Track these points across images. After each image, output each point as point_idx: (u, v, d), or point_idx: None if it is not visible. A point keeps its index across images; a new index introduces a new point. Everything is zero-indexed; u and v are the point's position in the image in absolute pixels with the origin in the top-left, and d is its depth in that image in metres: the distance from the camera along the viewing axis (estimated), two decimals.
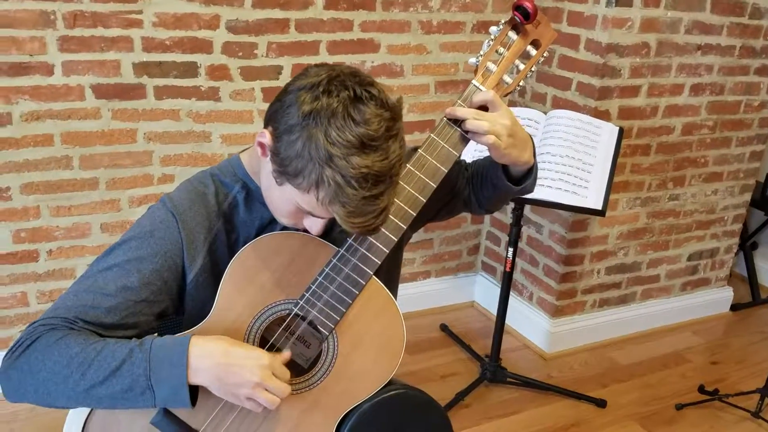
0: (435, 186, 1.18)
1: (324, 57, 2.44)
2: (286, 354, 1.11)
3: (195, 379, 1.05)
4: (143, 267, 1.12)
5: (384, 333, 1.15)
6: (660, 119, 2.71)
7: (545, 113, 2.40)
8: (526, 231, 2.91)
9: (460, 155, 1.21)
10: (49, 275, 2.31)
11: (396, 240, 1.16)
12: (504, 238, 3.00)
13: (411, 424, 1.17)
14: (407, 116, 2.72)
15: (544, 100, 2.76)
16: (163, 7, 2.19)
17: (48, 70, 2.11)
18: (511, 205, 2.42)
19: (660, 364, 2.84)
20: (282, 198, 1.09)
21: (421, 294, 3.05)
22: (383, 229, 1.15)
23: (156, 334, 1.12)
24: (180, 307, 1.20)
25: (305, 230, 1.13)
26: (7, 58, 2.05)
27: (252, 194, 1.20)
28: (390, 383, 1.18)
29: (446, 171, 1.19)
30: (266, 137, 1.06)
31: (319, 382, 1.14)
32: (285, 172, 1.04)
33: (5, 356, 1.07)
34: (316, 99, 1.00)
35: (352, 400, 1.14)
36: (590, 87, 2.54)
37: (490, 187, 1.36)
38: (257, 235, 1.19)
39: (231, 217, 1.20)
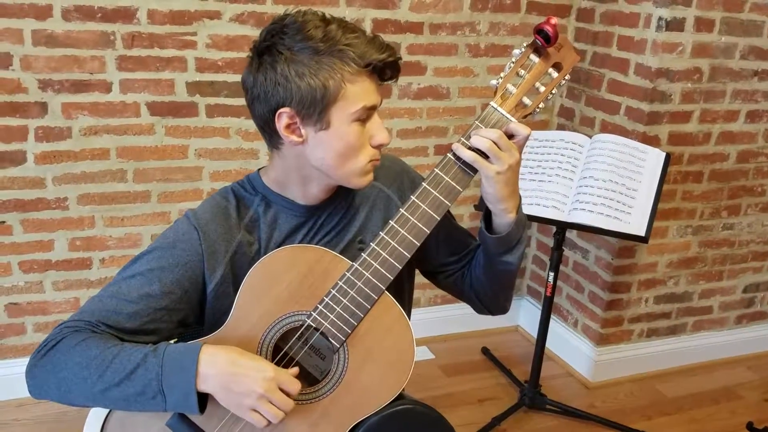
0: (449, 204, 1.19)
1: None
2: (294, 370, 1.14)
3: (203, 386, 1.08)
4: (164, 276, 1.17)
5: (394, 348, 1.17)
6: (713, 146, 2.64)
7: (591, 137, 2.38)
8: (572, 256, 2.87)
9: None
10: (100, 282, 2.42)
11: (409, 255, 1.18)
12: None
13: None
14: (452, 138, 2.74)
15: (593, 124, 2.73)
16: (216, 29, 2.29)
17: (106, 87, 2.24)
18: (553, 228, 2.40)
19: (709, 399, 2.74)
20: (341, 135, 1.14)
21: (464, 316, 3.03)
22: (397, 245, 1.17)
23: (175, 340, 1.17)
24: (201, 315, 1.25)
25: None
26: (70, 75, 2.18)
27: (271, 206, 1.25)
28: (400, 398, 1.19)
29: (462, 190, 1.20)
30: (285, 115, 1.13)
31: (328, 393, 1.17)
32: (319, 102, 1.11)
33: (32, 355, 1.14)
34: (273, 63, 1.12)
35: (360, 412, 1.16)
36: (639, 112, 2.50)
37: (481, 256, 1.33)
38: (277, 247, 1.23)
39: (252, 230, 1.25)
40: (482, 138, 1.17)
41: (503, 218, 1.23)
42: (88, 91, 2.22)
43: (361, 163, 1.18)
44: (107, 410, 1.16)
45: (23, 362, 2.55)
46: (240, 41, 2.33)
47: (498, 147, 1.16)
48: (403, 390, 1.20)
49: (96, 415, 1.16)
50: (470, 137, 1.19)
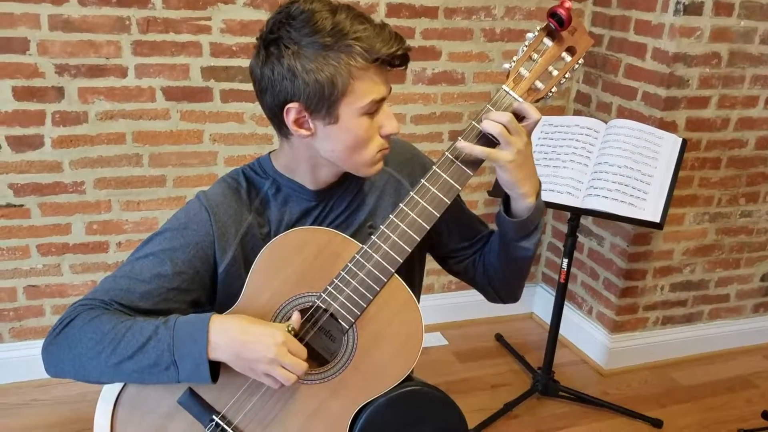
0: (460, 188, 1.19)
1: None
2: (295, 316, 1.15)
3: (215, 355, 1.10)
4: (176, 257, 1.19)
5: (403, 330, 1.17)
6: (732, 132, 2.61)
7: (606, 123, 2.36)
8: (587, 243, 2.85)
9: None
10: (117, 266, 2.44)
11: (419, 239, 1.18)
12: None
13: (426, 420, 1.18)
14: (466, 123, 2.73)
15: (609, 109, 2.70)
16: (230, 14, 2.30)
17: (122, 72, 2.25)
18: (567, 215, 2.39)
19: (724, 388, 2.72)
20: (350, 129, 1.14)
21: (478, 302, 2.98)
22: (406, 228, 1.17)
23: None
24: (212, 296, 1.26)
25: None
26: (86, 60, 2.20)
27: (282, 190, 1.26)
28: (408, 380, 1.19)
29: (472, 174, 1.20)
30: (294, 110, 1.12)
31: (337, 374, 1.18)
32: (327, 98, 1.10)
33: (48, 334, 1.16)
34: (279, 57, 1.10)
35: (368, 393, 1.17)
36: (656, 97, 2.47)
37: (496, 242, 1.33)
38: (287, 229, 1.24)
39: (263, 212, 1.25)
40: (493, 123, 1.16)
41: (522, 203, 1.22)
42: (104, 76, 2.24)
43: (371, 154, 1.18)
44: (118, 390, 1.17)
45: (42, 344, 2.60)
46: (254, 26, 2.33)
47: (508, 131, 1.16)
48: (412, 372, 1.21)
49: (108, 393, 1.17)
50: (482, 121, 1.18)
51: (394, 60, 1.12)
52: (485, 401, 2.52)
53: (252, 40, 2.33)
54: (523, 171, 1.19)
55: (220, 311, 1.21)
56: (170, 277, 1.18)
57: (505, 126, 1.16)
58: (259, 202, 1.26)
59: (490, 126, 1.16)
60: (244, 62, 2.36)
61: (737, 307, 2.97)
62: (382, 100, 1.16)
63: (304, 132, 1.16)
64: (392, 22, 2.45)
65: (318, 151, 1.19)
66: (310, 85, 1.10)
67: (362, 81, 1.11)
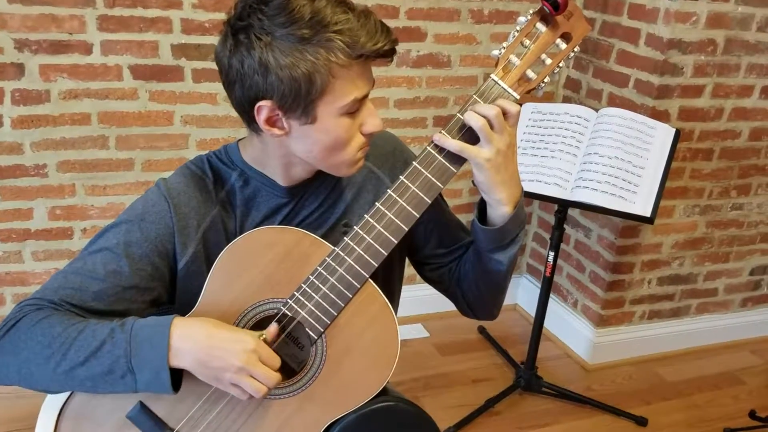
0: (442, 186, 1.09)
1: None
2: (273, 328, 1.05)
3: (177, 362, 0.99)
4: (133, 252, 1.08)
5: (377, 341, 1.07)
6: (725, 122, 2.53)
7: (597, 111, 2.26)
8: (574, 235, 2.77)
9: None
10: None
11: (396, 241, 1.08)
12: None
13: None
14: (452, 109, 2.62)
15: (600, 96, 2.61)
16: None
17: (87, 49, 2.12)
18: (554, 207, 2.29)
19: (711, 384, 2.67)
20: (329, 130, 1.03)
21: None
22: (383, 230, 1.07)
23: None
24: (173, 294, 1.15)
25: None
26: (47, 35, 2.06)
27: (250, 183, 1.15)
28: (383, 394, 1.10)
29: (456, 171, 1.09)
30: (266, 108, 1.01)
31: (305, 387, 1.08)
32: (304, 97, 0.99)
33: None
34: (250, 48, 0.98)
35: (337, 409, 1.07)
36: (649, 85, 2.38)
37: (472, 251, 1.23)
38: (253, 227, 1.13)
39: (228, 206, 1.15)
40: (476, 115, 1.06)
41: (497, 210, 1.12)
42: (68, 53, 2.10)
43: (351, 154, 1.08)
44: (63, 400, 1.07)
45: None
46: (228, 1, 2.19)
47: (491, 126, 1.05)
48: (389, 384, 1.12)
49: (51, 403, 1.07)
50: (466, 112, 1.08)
51: (378, 53, 1.01)
52: (466, 397, 2.44)
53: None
54: (501, 175, 1.08)
55: (181, 312, 1.11)
56: (127, 274, 1.07)
57: (489, 121, 1.06)
58: (225, 194, 1.15)
59: (472, 118, 1.06)
60: (218, 40, 2.23)
61: (725, 301, 2.91)
62: (364, 97, 1.05)
63: (276, 131, 1.04)
64: (376, 0, 2.33)
65: (292, 151, 1.08)
66: (284, 82, 0.98)
67: (343, 79, 0.99)
